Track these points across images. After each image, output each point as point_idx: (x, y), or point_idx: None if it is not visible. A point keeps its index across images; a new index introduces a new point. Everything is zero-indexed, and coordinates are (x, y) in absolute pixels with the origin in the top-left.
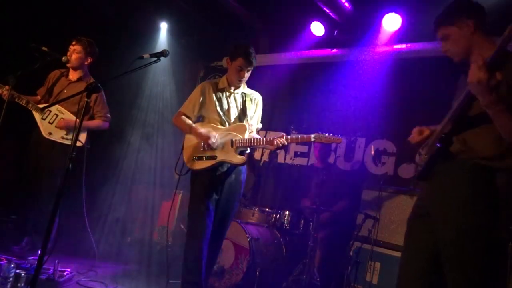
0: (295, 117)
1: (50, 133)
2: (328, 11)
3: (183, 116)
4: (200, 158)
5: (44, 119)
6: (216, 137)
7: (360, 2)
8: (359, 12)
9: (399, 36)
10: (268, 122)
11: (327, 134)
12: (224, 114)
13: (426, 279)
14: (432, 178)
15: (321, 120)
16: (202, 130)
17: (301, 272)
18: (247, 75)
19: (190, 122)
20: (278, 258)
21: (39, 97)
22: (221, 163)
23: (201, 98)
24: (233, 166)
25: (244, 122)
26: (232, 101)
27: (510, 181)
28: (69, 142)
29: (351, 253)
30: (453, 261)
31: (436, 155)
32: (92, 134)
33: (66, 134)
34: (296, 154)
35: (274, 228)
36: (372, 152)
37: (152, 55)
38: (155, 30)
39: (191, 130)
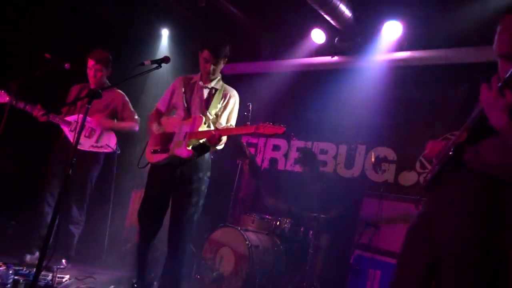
0: (295, 123)
1: (80, 144)
2: (329, 19)
3: (155, 111)
4: (155, 151)
5: (72, 131)
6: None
7: (361, 9)
8: (360, 20)
9: (400, 44)
10: None
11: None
12: (187, 107)
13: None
14: (440, 186)
15: (321, 127)
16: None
17: (301, 279)
18: (212, 68)
19: (152, 125)
20: (278, 265)
21: (63, 115)
22: (175, 157)
23: (172, 91)
24: (185, 161)
25: (207, 115)
26: (199, 94)
27: None
28: (100, 150)
29: (351, 261)
30: (449, 271)
31: (447, 164)
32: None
33: (96, 142)
34: (295, 161)
35: (274, 235)
36: (373, 160)
37: (153, 62)
38: (157, 36)
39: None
